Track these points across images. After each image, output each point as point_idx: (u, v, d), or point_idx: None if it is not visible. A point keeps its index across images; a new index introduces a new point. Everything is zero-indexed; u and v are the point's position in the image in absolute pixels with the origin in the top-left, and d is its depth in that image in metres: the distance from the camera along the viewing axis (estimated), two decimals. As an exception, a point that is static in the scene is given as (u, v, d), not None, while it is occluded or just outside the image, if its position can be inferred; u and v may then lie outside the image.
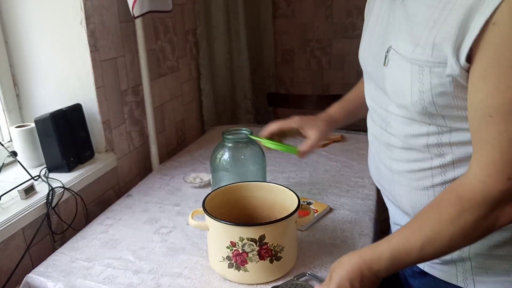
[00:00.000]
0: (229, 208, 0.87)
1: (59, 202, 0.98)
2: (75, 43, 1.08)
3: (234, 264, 0.76)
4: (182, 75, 1.63)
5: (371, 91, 0.71)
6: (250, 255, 0.75)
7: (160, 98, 1.47)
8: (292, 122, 0.86)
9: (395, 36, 0.60)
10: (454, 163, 0.59)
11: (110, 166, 1.17)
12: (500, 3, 0.45)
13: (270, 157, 1.36)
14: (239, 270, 0.76)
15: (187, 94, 1.68)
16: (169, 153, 1.54)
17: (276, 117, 2.12)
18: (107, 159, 1.16)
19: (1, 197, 0.90)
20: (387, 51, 0.61)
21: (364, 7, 0.76)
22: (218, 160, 1.00)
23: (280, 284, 0.77)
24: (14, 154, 1.03)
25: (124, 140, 1.27)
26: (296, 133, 0.87)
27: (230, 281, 0.78)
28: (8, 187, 0.93)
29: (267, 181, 1.03)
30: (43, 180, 1.01)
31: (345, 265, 0.61)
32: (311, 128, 0.85)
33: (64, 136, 1.04)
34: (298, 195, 0.82)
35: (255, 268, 0.76)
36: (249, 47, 2.09)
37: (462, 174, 0.56)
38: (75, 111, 1.09)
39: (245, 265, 0.76)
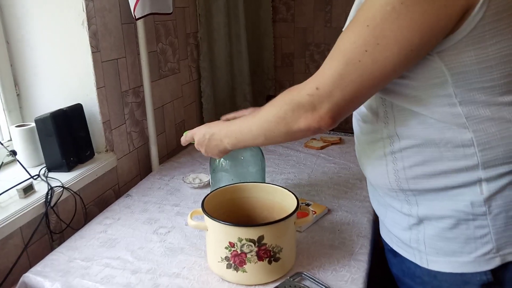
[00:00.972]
0: (228, 209, 0.87)
1: (58, 202, 0.98)
2: (76, 44, 1.09)
3: (233, 264, 0.76)
4: (183, 77, 1.64)
5: None
6: (248, 255, 0.75)
7: (161, 99, 1.48)
8: (245, 111, 0.93)
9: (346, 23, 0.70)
10: (397, 134, 0.65)
11: (110, 166, 1.18)
12: None
13: (269, 158, 1.36)
14: (237, 271, 0.76)
15: (188, 96, 1.69)
16: (169, 154, 1.55)
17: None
18: (107, 159, 1.16)
19: (0, 196, 0.90)
20: None
21: None
22: (217, 161, 1.01)
23: (277, 285, 0.77)
24: (13, 153, 1.03)
25: (124, 140, 1.27)
26: None
27: (229, 281, 0.78)
28: (7, 186, 0.93)
29: (266, 182, 1.04)
30: (42, 179, 1.01)
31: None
32: None
33: (64, 136, 1.04)
34: (297, 196, 0.82)
35: (254, 269, 0.76)
36: (249, 51, 2.10)
37: (407, 145, 0.64)
38: (76, 111, 1.09)
39: (244, 266, 0.76)
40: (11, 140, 1.11)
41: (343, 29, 0.69)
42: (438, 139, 0.61)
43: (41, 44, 1.10)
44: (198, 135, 0.86)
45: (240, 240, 0.74)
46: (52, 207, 0.96)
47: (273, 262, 0.77)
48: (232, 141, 0.78)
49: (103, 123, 1.16)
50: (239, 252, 0.75)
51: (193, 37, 1.70)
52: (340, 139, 1.54)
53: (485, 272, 0.62)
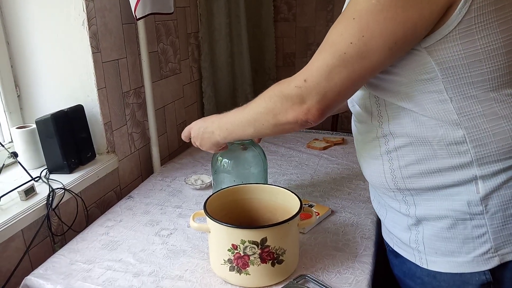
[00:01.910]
0: (231, 210, 0.86)
1: (60, 204, 0.98)
2: (77, 45, 1.08)
3: (236, 267, 0.75)
4: (184, 78, 1.63)
5: None
6: (251, 258, 0.74)
7: (162, 100, 1.47)
8: None
9: None
10: (391, 132, 0.65)
11: (111, 167, 1.17)
12: None
13: (271, 159, 1.35)
14: (240, 274, 0.76)
15: (189, 96, 1.68)
16: (171, 155, 1.54)
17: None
18: (108, 160, 1.15)
19: (1, 198, 0.89)
20: None
21: None
22: (219, 162, 1.00)
23: (281, 288, 0.76)
24: (14, 155, 1.02)
25: (125, 141, 1.27)
26: None
27: (232, 284, 0.78)
28: (8, 188, 0.93)
29: (269, 183, 1.03)
30: (43, 181, 1.00)
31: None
32: None
33: (65, 137, 1.03)
34: (300, 197, 0.81)
35: (257, 272, 0.75)
36: (250, 51, 2.09)
37: (401, 144, 0.64)
38: (77, 112, 1.08)
39: (247, 268, 0.75)
40: (12, 141, 1.10)
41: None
42: (431, 136, 0.61)
43: (42, 44, 1.10)
44: (194, 129, 0.88)
45: (243, 242, 0.73)
46: (53, 209, 0.96)
47: (276, 265, 0.76)
48: (223, 133, 0.79)
49: (104, 124, 1.15)
50: (242, 254, 0.74)
51: (194, 37, 1.69)
52: (343, 139, 1.53)
53: (484, 272, 0.62)
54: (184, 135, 0.92)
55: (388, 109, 0.64)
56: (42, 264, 0.85)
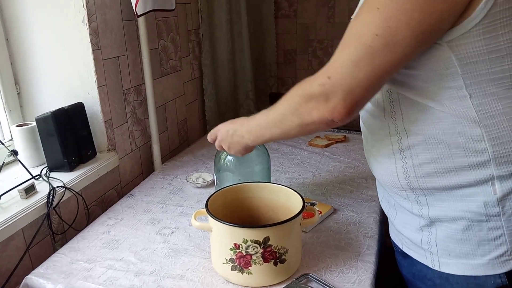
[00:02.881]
0: (232, 209, 0.86)
1: (60, 202, 0.97)
2: (77, 42, 1.07)
3: (238, 266, 0.75)
4: (185, 75, 1.62)
5: None
6: (254, 257, 0.73)
7: (163, 97, 1.46)
8: None
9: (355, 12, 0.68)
10: (406, 129, 0.63)
11: (112, 165, 1.16)
12: None
13: (272, 157, 1.35)
14: (242, 273, 0.75)
15: (190, 94, 1.67)
16: (172, 152, 1.53)
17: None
18: (109, 158, 1.15)
19: (1, 197, 0.89)
20: None
21: None
22: (222, 160, 0.99)
23: (283, 287, 0.75)
24: (15, 153, 1.02)
25: (126, 139, 1.26)
26: None
27: (234, 284, 0.77)
28: (8, 186, 0.92)
29: (271, 181, 1.02)
30: (44, 180, 0.99)
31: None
32: None
33: (65, 135, 1.03)
34: (302, 196, 0.80)
35: (259, 271, 0.75)
36: (251, 47, 2.08)
37: (416, 141, 0.62)
38: (77, 110, 1.07)
39: (249, 267, 0.74)
40: (12, 139, 1.09)
41: (351, 17, 0.68)
42: (448, 134, 0.59)
43: (42, 42, 1.09)
44: (221, 131, 0.84)
45: (245, 241, 0.72)
46: (54, 208, 0.95)
47: (278, 264, 0.75)
48: (252, 137, 0.76)
49: (104, 122, 1.15)
50: (244, 253, 0.73)
51: (195, 34, 1.68)
52: (345, 137, 1.52)
53: (499, 275, 0.61)
54: (210, 138, 0.89)
55: (402, 105, 0.62)
56: (43, 263, 0.85)
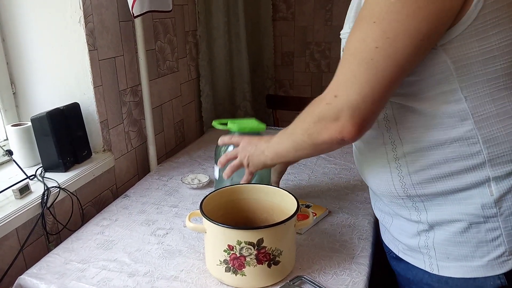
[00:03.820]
0: (227, 211, 0.86)
1: (55, 202, 0.97)
2: (73, 42, 1.07)
3: (231, 268, 0.75)
4: (182, 76, 1.62)
5: None
6: (247, 259, 0.73)
7: (159, 98, 1.46)
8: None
9: (344, 25, 0.70)
10: (400, 138, 0.63)
11: (107, 166, 1.16)
12: None
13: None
14: (236, 274, 0.75)
15: (187, 95, 1.67)
16: (168, 153, 1.53)
17: (275, 119, 2.11)
18: (105, 159, 1.14)
19: (-5, 197, 0.89)
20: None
21: None
22: (223, 153, 0.98)
23: (277, 289, 0.75)
24: (9, 153, 1.01)
25: (122, 140, 1.26)
26: None
27: (227, 285, 0.77)
28: (2, 186, 0.92)
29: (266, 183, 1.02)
30: (38, 180, 0.99)
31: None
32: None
33: (61, 135, 1.02)
34: (297, 198, 0.80)
35: (253, 273, 0.75)
36: (249, 49, 2.08)
37: (411, 149, 0.62)
38: (73, 110, 1.07)
39: (243, 269, 0.74)
40: (7, 139, 1.09)
41: (340, 33, 0.68)
42: (443, 139, 0.59)
43: (38, 41, 1.09)
44: (244, 141, 0.86)
45: (239, 243, 0.72)
46: (48, 208, 0.95)
47: (272, 266, 0.75)
48: (271, 155, 0.78)
49: (100, 122, 1.15)
50: (238, 255, 0.73)
51: (192, 35, 1.68)
52: (341, 139, 1.52)
53: (498, 276, 0.61)
54: (221, 142, 0.93)
55: (396, 114, 0.62)
56: (36, 264, 0.85)
